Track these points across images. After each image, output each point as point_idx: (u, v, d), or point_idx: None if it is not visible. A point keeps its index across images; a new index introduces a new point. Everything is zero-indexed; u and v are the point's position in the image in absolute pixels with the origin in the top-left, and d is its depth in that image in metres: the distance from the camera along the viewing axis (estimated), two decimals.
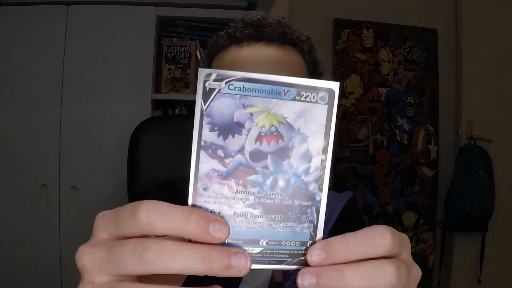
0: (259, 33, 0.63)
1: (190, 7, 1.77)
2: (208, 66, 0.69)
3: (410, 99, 2.23)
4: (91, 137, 1.66)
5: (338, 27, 2.17)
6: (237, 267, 0.24)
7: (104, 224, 0.28)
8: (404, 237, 0.29)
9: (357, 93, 2.18)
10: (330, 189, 0.29)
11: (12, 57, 1.66)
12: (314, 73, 0.69)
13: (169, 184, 0.76)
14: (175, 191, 0.72)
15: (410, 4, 2.26)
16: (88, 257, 0.27)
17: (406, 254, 0.29)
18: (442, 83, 2.27)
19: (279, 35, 0.63)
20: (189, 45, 1.79)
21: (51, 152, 1.64)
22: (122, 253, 0.25)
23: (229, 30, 0.66)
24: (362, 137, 2.18)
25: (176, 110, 1.83)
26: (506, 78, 2.26)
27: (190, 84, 1.77)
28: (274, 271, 0.67)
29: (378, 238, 0.26)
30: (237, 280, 0.67)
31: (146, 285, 0.25)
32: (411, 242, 2.15)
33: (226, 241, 0.25)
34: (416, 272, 0.29)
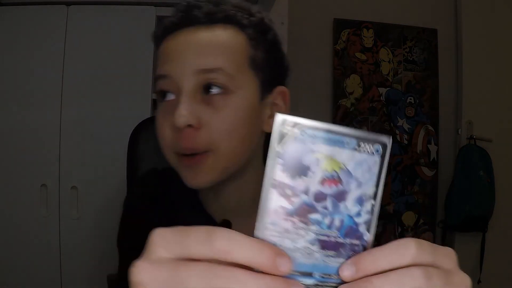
0: (185, 18, 0.60)
1: None
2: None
3: (410, 99, 2.23)
4: (91, 137, 1.66)
5: (338, 27, 2.17)
6: None
7: (167, 243, 0.28)
8: (443, 249, 0.30)
9: (357, 93, 2.18)
10: None
11: (12, 57, 1.66)
12: (265, 46, 0.63)
13: (151, 176, 0.77)
14: (154, 186, 0.74)
15: (410, 4, 2.26)
16: (148, 274, 0.28)
17: (446, 263, 0.30)
18: (442, 83, 2.26)
19: (207, 16, 0.59)
20: None
21: (51, 152, 1.64)
22: (189, 275, 0.26)
23: (163, 20, 0.64)
24: None
25: None
26: (506, 78, 2.26)
27: None
28: None
29: (402, 248, 0.28)
30: None
31: None
32: None
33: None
34: (462, 279, 0.30)
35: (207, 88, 0.58)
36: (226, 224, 0.65)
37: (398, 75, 2.23)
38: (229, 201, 0.67)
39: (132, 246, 0.46)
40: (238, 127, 0.59)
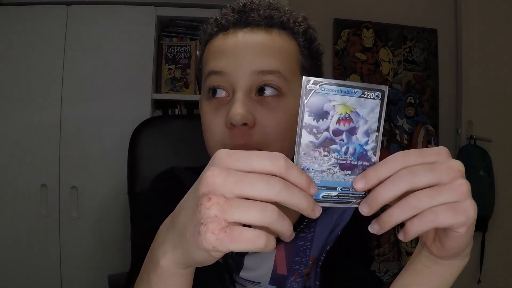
0: (244, 18, 0.62)
1: (190, 7, 1.77)
2: (202, 54, 0.69)
3: (410, 99, 2.23)
4: (91, 137, 1.66)
5: (338, 27, 2.17)
6: (317, 211, 0.38)
7: (235, 159, 0.36)
8: (429, 150, 0.39)
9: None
10: None
11: (12, 57, 1.66)
12: (311, 55, 0.67)
13: (170, 171, 0.76)
14: (175, 178, 0.73)
15: (410, 4, 2.26)
16: (221, 177, 0.35)
17: (433, 158, 0.39)
18: (442, 83, 2.26)
19: (265, 19, 0.62)
20: (189, 45, 1.79)
21: (51, 152, 1.64)
22: (256, 181, 0.35)
23: (217, 17, 0.65)
24: None
25: (176, 110, 1.83)
26: (506, 78, 2.26)
27: (190, 84, 1.77)
28: (277, 262, 0.69)
29: (393, 159, 0.39)
30: (238, 267, 0.68)
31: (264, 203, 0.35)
32: (411, 243, 2.15)
33: (321, 192, 0.40)
34: (451, 165, 0.39)
35: (262, 89, 0.60)
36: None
37: (398, 75, 2.23)
38: None
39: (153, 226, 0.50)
40: (290, 129, 0.61)
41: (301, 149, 0.39)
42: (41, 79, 1.65)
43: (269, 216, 0.35)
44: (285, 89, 0.61)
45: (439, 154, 0.39)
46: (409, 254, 2.17)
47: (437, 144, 2.23)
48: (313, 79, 0.37)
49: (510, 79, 2.26)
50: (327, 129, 0.39)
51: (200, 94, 0.75)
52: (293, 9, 0.67)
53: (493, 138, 2.17)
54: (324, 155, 0.39)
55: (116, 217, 1.63)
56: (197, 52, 0.78)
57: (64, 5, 1.68)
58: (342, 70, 2.17)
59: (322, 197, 0.40)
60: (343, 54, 2.17)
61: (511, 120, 2.24)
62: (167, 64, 1.78)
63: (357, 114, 0.39)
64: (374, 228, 0.40)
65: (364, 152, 0.40)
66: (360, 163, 0.40)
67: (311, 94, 0.38)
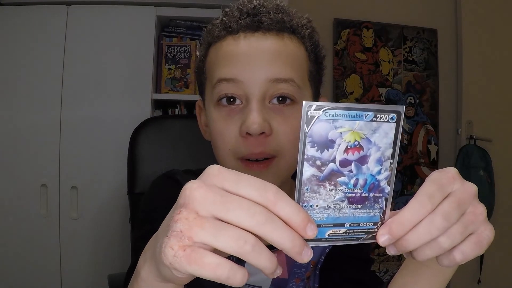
0: (255, 22, 0.60)
1: (190, 7, 1.77)
2: (205, 56, 0.66)
3: (410, 99, 2.23)
4: (91, 137, 1.66)
5: (338, 27, 2.17)
6: (304, 255, 0.32)
7: (223, 178, 0.33)
8: (445, 182, 0.36)
9: (357, 93, 2.18)
10: None
11: (12, 57, 1.66)
12: (316, 59, 0.67)
13: (170, 174, 0.76)
14: (174, 181, 0.72)
15: (410, 4, 2.26)
16: (201, 192, 0.32)
17: (452, 187, 0.37)
18: (442, 83, 2.26)
19: (277, 24, 0.60)
20: (189, 45, 1.79)
21: (51, 152, 1.64)
22: (236, 206, 0.31)
23: (224, 19, 0.63)
24: None
25: (176, 110, 1.83)
26: (506, 78, 2.26)
27: (190, 84, 1.77)
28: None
29: (417, 204, 0.35)
30: None
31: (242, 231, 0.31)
32: None
33: (321, 225, 0.35)
34: (468, 189, 0.37)
35: (276, 96, 0.59)
36: None
37: (398, 75, 2.23)
38: None
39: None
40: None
41: (303, 184, 0.34)
42: (41, 79, 1.65)
43: (241, 246, 0.30)
44: (298, 96, 0.60)
45: (454, 180, 0.37)
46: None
47: (437, 144, 2.23)
48: (315, 103, 0.32)
49: (510, 79, 2.26)
50: (333, 160, 0.34)
51: (198, 94, 0.73)
52: (297, 11, 0.66)
53: (493, 138, 2.17)
54: (330, 190, 0.34)
55: (116, 217, 1.63)
56: (197, 52, 0.76)
57: (64, 5, 1.68)
58: (342, 70, 2.17)
59: (328, 235, 0.35)
60: (343, 54, 2.17)
61: (511, 120, 2.24)
62: (167, 64, 1.78)
63: (368, 140, 0.34)
64: (391, 252, 0.37)
65: (377, 183, 0.35)
66: (371, 195, 0.35)
67: (313, 122, 0.32)
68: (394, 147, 0.35)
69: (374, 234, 0.36)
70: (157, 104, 1.79)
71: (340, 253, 0.70)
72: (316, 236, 0.34)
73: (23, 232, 1.63)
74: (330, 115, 0.33)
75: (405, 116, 2.22)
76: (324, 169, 0.34)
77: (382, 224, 0.36)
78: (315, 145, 0.33)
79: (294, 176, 0.66)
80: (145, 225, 0.66)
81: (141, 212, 0.75)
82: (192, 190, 0.32)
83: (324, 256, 0.70)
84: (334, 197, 0.35)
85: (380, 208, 0.36)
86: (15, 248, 1.62)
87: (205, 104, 0.67)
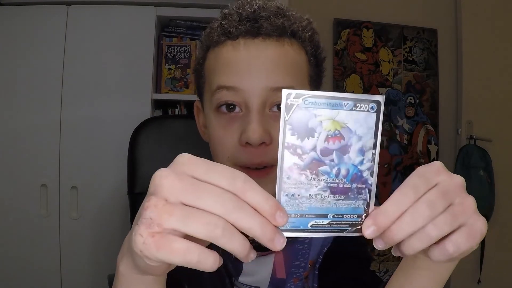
0: (255, 29, 0.59)
1: (190, 7, 1.77)
2: (203, 59, 0.66)
3: (410, 99, 2.23)
4: (91, 137, 1.66)
5: (338, 27, 2.17)
6: (277, 243, 0.32)
7: (194, 166, 0.33)
8: (429, 175, 0.36)
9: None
10: None
11: (12, 57, 1.66)
12: (316, 63, 0.66)
13: None
14: None
15: (410, 4, 2.26)
16: (169, 181, 0.32)
17: (437, 179, 0.36)
18: (442, 83, 2.26)
19: (277, 30, 0.59)
20: (189, 45, 1.79)
21: (51, 152, 1.64)
22: (206, 193, 0.31)
23: (223, 23, 0.61)
24: None
25: (176, 110, 1.83)
26: (506, 78, 2.26)
27: (190, 84, 1.77)
28: (276, 266, 0.68)
29: (400, 195, 0.35)
30: (237, 271, 0.67)
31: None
32: None
33: (303, 215, 0.35)
34: (455, 181, 0.37)
35: (276, 104, 0.59)
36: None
37: (398, 75, 2.23)
38: None
39: None
40: None
41: (284, 172, 0.34)
42: (41, 79, 1.65)
43: (211, 231, 0.30)
44: None
45: (439, 172, 0.37)
46: None
47: (437, 144, 2.23)
48: (294, 91, 0.33)
49: (510, 79, 2.26)
50: (314, 149, 0.34)
51: (196, 94, 0.73)
52: (297, 12, 0.65)
53: (493, 138, 2.16)
54: (311, 179, 0.34)
55: (116, 217, 1.63)
56: (196, 52, 0.76)
57: (64, 5, 1.68)
58: (342, 70, 2.17)
59: (311, 226, 0.35)
60: (343, 54, 2.17)
61: (511, 120, 2.24)
62: (167, 64, 1.78)
63: (349, 130, 0.34)
64: (378, 246, 0.36)
65: (359, 173, 0.35)
66: (354, 185, 0.35)
67: (293, 110, 0.33)
68: (375, 137, 0.35)
69: (359, 227, 0.36)
70: (157, 104, 1.79)
71: (338, 252, 0.70)
72: (299, 227, 0.34)
73: (23, 232, 1.63)
74: (310, 104, 0.33)
75: (405, 116, 2.22)
76: (305, 158, 0.34)
77: (366, 216, 0.35)
78: (295, 133, 0.33)
79: None
80: None
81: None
82: (161, 178, 0.32)
83: (322, 256, 0.70)
84: (316, 186, 0.34)
85: (364, 200, 0.36)
86: (15, 248, 1.62)
87: (203, 106, 0.67)
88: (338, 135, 0.34)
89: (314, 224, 0.35)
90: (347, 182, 0.35)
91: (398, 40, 2.23)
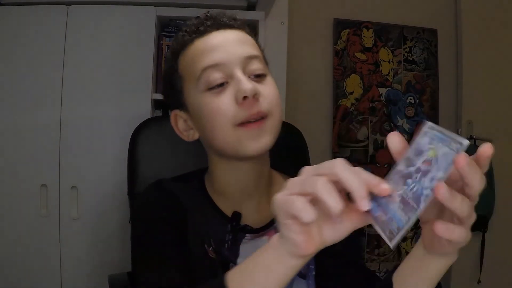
0: (217, 22, 0.74)
1: (190, 7, 1.77)
2: (176, 65, 0.76)
3: (410, 99, 2.23)
4: (91, 137, 1.66)
5: (338, 27, 2.17)
6: (364, 204, 0.41)
7: (309, 169, 0.45)
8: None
9: (357, 93, 2.18)
10: None
11: (12, 57, 1.65)
12: (259, 46, 0.80)
13: (158, 185, 0.79)
14: (165, 191, 0.77)
15: (410, 4, 2.26)
16: (294, 181, 0.45)
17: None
18: (442, 83, 2.26)
19: (233, 21, 0.75)
20: None
21: (51, 152, 1.64)
22: (317, 180, 0.42)
23: (187, 29, 0.75)
24: (362, 137, 2.18)
25: None
26: (506, 78, 2.26)
27: None
28: None
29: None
30: (235, 255, 0.72)
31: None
32: (411, 243, 2.16)
33: (378, 211, 0.43)
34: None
35: (253, 74, 0.71)
36: (237, 215, 0.75)
37: (398, 75, 2.23)
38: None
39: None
40: (279, 100, 0.74)
41: (394, 173, 0.44)
42: (41, 79, 1.65)
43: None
44: (265, 71, 0.73)
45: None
46: None
47: None
48: (429, 124, 0.42)
49: (510, 79, 2.26)
50: (415, 165, 0.41)
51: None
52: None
53: (493, 138, 2.16)
54: (403, 184, 0.42)
55: (116, 217, 1.63)
56: (164, 64, 0.87)
57: (64, 5, 1.68)
58: (342, 70, 2.17)
59: (376, 215, 0.42)
60: (343, 54, 2.17)
61: (511, 120, 2.24)
62: None
63: (436, 159, 0.40)
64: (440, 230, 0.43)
65: (419, 196, 0.40)
66: (411, 203, 0.40)
67: (422, 135, 0.42)
68: (446, 172, 0.39)
69: (393, 239, 0.41)
70: (157, 104, 1.79)
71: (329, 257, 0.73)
72: (371, 210, 0.42)
73: (23, 232, 1.62)
74: (433, 135, 0.41)
75: (405, 116, 2.23)
76: (410, 169, 0.42)
77: (398, 231, 0.41)
78: (415, 150, 0.42)
79: (273, 167, 0.82)
80: (146, 235, 0.71)
81: (138, 222, 0.78)
82: (289, 182, 0.45)
83: (313, 266, 0.75)
84: (398, 191, 0.41)
85: (409, 217, 0.40)
86: (15, 248, 1.62)
87: (185, 103, 0.76)
88: (429, 161, 0.40)
89: (378, 215, 0.42)
90: (410, 198, 0.40)
91: (398, 40, 2.23)
